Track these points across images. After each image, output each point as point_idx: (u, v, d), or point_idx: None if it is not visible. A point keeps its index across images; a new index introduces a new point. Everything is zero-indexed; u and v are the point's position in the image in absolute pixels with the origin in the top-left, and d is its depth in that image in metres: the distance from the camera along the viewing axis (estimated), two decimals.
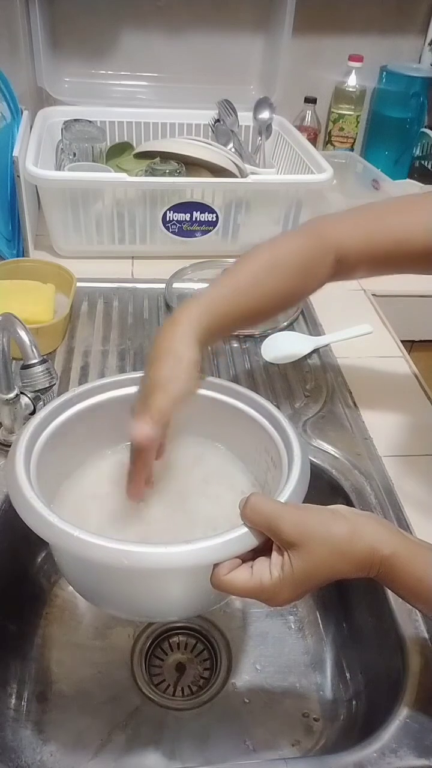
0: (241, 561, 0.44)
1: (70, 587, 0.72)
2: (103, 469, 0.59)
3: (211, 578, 0.43)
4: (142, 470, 0.52)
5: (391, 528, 0.44)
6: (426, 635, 0.55)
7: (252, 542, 0.44)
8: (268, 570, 0.43)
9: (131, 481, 0.53)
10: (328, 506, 0.46)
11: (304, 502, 0.47)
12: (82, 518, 0.53)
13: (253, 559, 0.44)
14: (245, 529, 0.44)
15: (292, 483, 0.48)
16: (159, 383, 0.52)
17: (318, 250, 0.61)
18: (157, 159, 1.07)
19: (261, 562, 0.43)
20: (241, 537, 0.43)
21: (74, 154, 1.11)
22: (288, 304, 0.66)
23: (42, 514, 0.45)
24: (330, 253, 0.61)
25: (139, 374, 0.58)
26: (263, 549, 0.44)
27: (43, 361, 0.62)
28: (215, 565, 0.43)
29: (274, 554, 0.43)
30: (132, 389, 0.58)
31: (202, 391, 0.58)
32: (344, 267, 0.62)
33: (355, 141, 1.42)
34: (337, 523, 0.43)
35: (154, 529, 0.54)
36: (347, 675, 0.64)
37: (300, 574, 0.42)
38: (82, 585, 0.54)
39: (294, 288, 0.63)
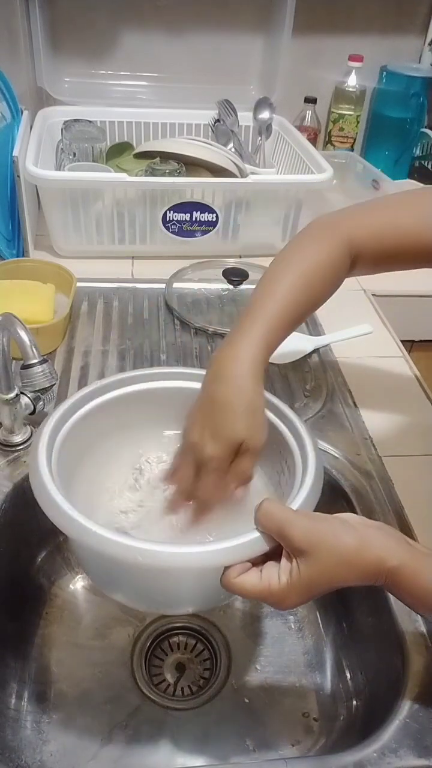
0: (251, 564, 0.45)
1: (71, 587, 0.72)
2: (120, 462, 0.60)
3: (221, 579, 0.45)
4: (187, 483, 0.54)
5: (399, 539, 0.45)
6: (426, 635, 0.55)
7: (263, 547, 0.45)
8: (276, 575, 0.44)
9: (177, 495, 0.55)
10: (339, 515, 0.46)
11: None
12: (97, 510, 0.55)
13: (263, 562, 0.45)
14: (257, 534, 0.45)
15: (305, 490, 0.49)
16: (232, 414, 0.52)
17: (339, 254, 0.61)
18: (157, 159, 1.07)
19: (270, 567, 0.44)
20: (253, 541, 0.45)
21: (74, 154, 1.11)
22: (312, 311, 0.66)
23: (64, 509, 0.46)
24: (347, 253, 0.62)
25: (155, 370, 0.60)
26: (273, 553, 0.45)
27: (43, 361, 0.62)
28: (226, 567, 0.44)
29: (284, 560, 0.44)
30: (152, 384, 0.59)
31: None
32: (358, 264, 0.63)
33: (355, 141, 1.42)
34: (346, 534, 0.43)
35: (164, 523, 0.55)
36: (347, 675, 0.64)
37: (307, 580, 0.43)
38: (97, 575, 0.56)
39: (324, 296, 0.63)
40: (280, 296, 0.58)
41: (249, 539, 0.45)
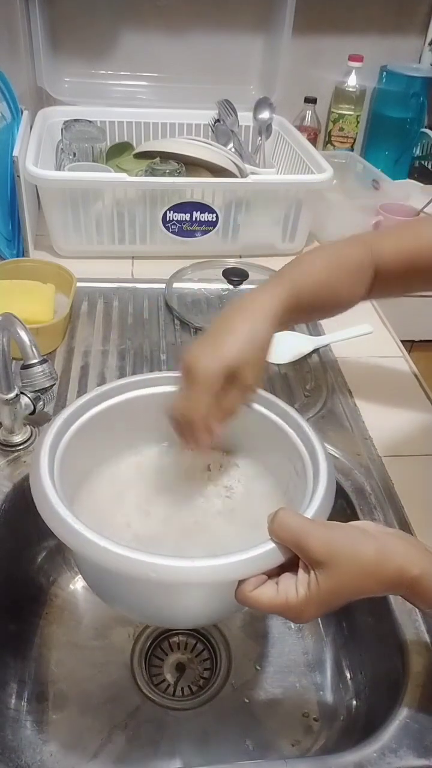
0: (267, 576, 0.43)
1: (71, 587, 0.72)
2: (122, 470, 0.58)
3: (236, 593, 0.43)
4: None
5: (419, 547, 0.44)
6: (426, 635, 0.55)
7: (278, 559, 0.43)
8: (294, 587, 0.42)
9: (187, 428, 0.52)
10: (356, 523, 0.45)
11: None
12: (100, 521, 0.53)
13: (279, 573, 0.43)
14: (272, 545, 0.43)
15: (318, 498, 0.47)
16: (233, 337, 0.52)
17: (366, 262, 0.63)
18: (157, 159, 1.07)
19: (287, 579, 0.43)
20: (268, 553, 0.43)
21: (74, 154, 1.11)
22: (335, 307, 0.66)
23: (68, 521, 0.44)
24: (370, 259, 0.62)
25: (157, 375, 0.59)
26: (289, 564, 0.43)
27: (43, 361, 0.62)
28: (241, 580, 0.43)
29: (301, 572, 0.42)
30: (153, 389, 0.58)
31: None
32: (380, 282, 0.64)
33: (355, 141, 1.42)
34: (365, 543, 0.42)
35: (169, 531, 0.53)
36: (347, 675, 0.64)
37: (326, 592, 0.41)
38: (102, 589, 0.54)
39: (347, 292, 0.64)
40: (308, 268, 0.60)
41: (264, 551, 0.43)
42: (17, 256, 1.00)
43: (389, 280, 0.64)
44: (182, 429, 0.53)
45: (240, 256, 1.08)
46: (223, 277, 0.97)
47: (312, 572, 0.42)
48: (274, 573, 0.43)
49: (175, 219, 1.03)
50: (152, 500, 0.56)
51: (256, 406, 0.57)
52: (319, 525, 0.43)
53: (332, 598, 0.42)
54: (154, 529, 0.53)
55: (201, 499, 0.56)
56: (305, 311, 0.61)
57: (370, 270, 0.63)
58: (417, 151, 1.42)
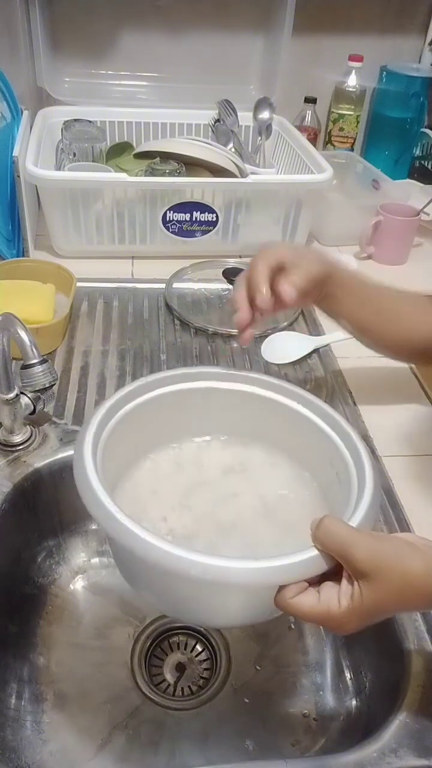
0: (308, 584, 0.42)
1: (71, 587, 0.72)
2: (161, 463, 0.57)
3: (275, 599, 0.42)
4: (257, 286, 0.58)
5: None
6: (426, 635, 0.55)
7: (322, 567, 0.42)
8: (336, 598, 0.41)
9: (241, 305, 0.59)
10: (401, 535, 0.44)
11: None
12: (138, 512, 0.52)
13: (319, 582, 0.42)
14: (315, 552, 0.42)
15: (364, 507, 0.45)
16: (293, 248, 0.67)
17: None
18: (157, 159, 1.07)
19: (329, 588, 0.42)
20: (312, 560, 0.42)
21: (74, 154, 1.11)
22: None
23: (111, 511, 0.43)
24: None
25: (201, 369, 0.58)
26: (330, 572, 0.42)
27: (43, 361, 0.62)
28: (281, 586, 0.42)
29: (344, 582, 0.41)
30: (196, 384, 0.57)
31: (265, 393, 0.57)
32: None
33: (355, 141, 1.42)
34: (413, 557, 0.41)
35: (204, 527, 0.52)
36: (347, 675, 0.64)
37: (370, 605, 0.40)
38: (135, 580, 0.53)
39: (392, 323, 0.73)
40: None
41: (307, 557, 0.41)
42: (17, 256, 1.00)
43: None
44: (240, 295, 0.60)
45: (240, 256, 1.08)
46: (223, 277, 0.97)
47: (356, 584, 0.41)
48: (315, 581, 0.42)
49: (175, 219, 1.03)
50: (189, 495, 0.55)
51: (301, 408, 0.56)
52: (366, 536, 0.42)
53: (376, 611, 0.41)
54: (190, 524, 0.52)
55: (238, 497, 0.55)
56: (351, 294, 0.69)
57: None
58: (417, 151, 1.42)
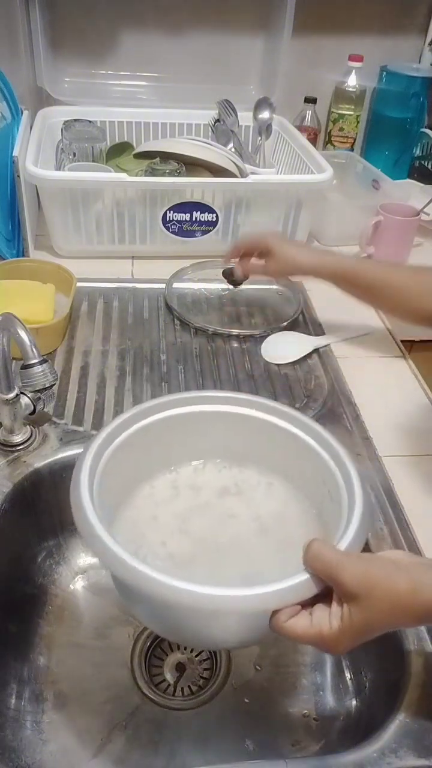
0: (301, 607, 0.43)
1: (71, 587, 0.72)
2: (158, 488, 0.58)
3: (270, 623, 0.43)
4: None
5: None
6: (426, 635, 0.55)
7: (312, 590, 0.43)
8: (327, 620, 0.42)
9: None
10: (387, 553, 0.45)
11: None
12: (137, 539, 0.53)
13: (312, 603, 0.44)
14: (306, 576, 0.43)
15: (353, 529, 0.46)
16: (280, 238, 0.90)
17: None
18: (157, 159, 1.07)
19: (320, 610, 0.43)
20: (303, 584, 0.43)
21: (74, 154, 1.11)
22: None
23: (109, 546, 0.44)
24: None
25: (192, 394, 0.58)
26: (323, 593, 0.43)
27: (43, 361, 0.62)
28: (275, 610, 0.43)
29: (335, 604, 0.42)
30: (189, 408, 0.57)
31: (259, 414, 0.58)
32: None
33: (355, 141, 1.42)
34: (400, 578, 0.42)
35: (203, 551, 0.53)
36: (347, 675, 0.64)
37: (360, 626, 0.42)
38: (135, 609, 0.54)
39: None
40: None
41: (299, 581, 0.43)
42: (17, 256, 1.00)
43: None
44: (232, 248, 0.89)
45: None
46: (222, 277, 0.97)
47: (345, 605, 0.42)
48: (308, 602, 0.43)
49: (175, 219, 1.03)
50: (186, 519, 0.55)
51: (293, 428, 0.56)
52: (353, 558, 0.43)
53: (366, 631, 0.42)
54: (188, 548, 0.53)
55: (235, 518, 0.56)
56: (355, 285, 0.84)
57: None
58: (417, 151, 1.42)
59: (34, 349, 0.61)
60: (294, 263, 0.85)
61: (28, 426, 0.70)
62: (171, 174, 1.04)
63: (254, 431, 0.57)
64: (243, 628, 0.50)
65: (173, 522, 0.55)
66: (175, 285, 1.00)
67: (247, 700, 0.64)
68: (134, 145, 1.20)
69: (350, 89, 1.36)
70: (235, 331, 0.91)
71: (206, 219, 1.04)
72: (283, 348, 0.89)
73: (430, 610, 0.41)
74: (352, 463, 0.52)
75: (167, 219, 1.03)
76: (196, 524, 0.55)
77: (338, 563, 0.42)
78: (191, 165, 1.07)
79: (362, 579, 0.41)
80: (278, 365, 0.86)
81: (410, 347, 1.07)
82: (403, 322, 0.86)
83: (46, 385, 0.63)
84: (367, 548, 0.62)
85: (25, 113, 1.07)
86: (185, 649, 0.69)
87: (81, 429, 0.73)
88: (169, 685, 0.66)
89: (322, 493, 0.53)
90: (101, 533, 0.44)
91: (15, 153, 0.95)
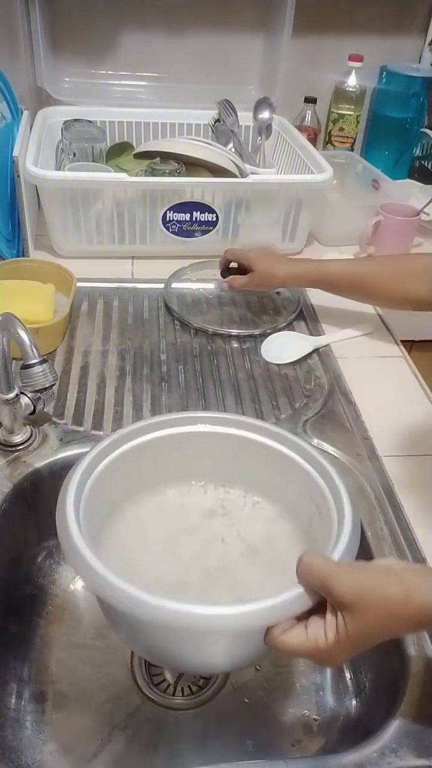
0: (296, 620, 0.43)
1: (71, 587, 0.72)
2: (144, 511, 0.57)
3: (265, 638, 0.43)
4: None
5: None
6: (426, 636, 0.55)
7: (306, 604, 0.43)
8: (323, 632, 0.42)
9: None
10: (380, 561, 0.45)
11: None
12: (125, 563, 0.52)
13: (308, 616, 0.43)
14: (300, 590, 0.43)
15: (344, 539, 0.46)
16: (263, 255, 0.92)
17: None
18: (157, 159, 1.07)
19: (315, 623, 0.43)
20: (296, 598, 0.43)
21: (74, 154, 1.11)
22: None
23: (98, 571, 0.43)
24: None
25: (178, 415, 0.58)
26: (317, 607, 0.43)
27: (43, 361, 0.62)
28: (269, 627, 0.43)
29: (329, 615, 0.42)
30: (175, 430, 0.57)
31: (243, 433, 0.57)
32: None
33: (355, 141, 1.42)
34: (392, 584, 0.42)
35: (192, 573, 0.53)
36: (347, 675, 0.64)
37: (355, 636, 0.41)
38: (126, 635, 0.53)
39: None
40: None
41: (292, 596, 0.42)
42: (17, 256, 1.01)
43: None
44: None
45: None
46: (222, 278, 0.97)
47: (339, 615, 0.41)
48: (303, 615, 0.43)
49: (175, 219, 1.03)
50: (174, 542, 0.55)
51: (277, 446, 0.56)
52: (345, 567, 0.43)
53: (361, 641, 0.42)
54: (178, 571, 0.53)
55: (223, 539, 0.56)
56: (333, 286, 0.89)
57: None
58: (417, 151, 1.42)
59: (34, 349, 0.61)
60: (273, 276, 0.90)
61: (28, 426, 0.70)
62: (171, 174, 1.04)
63: (239, 450, 0.57)
64: (238, 648, 0.50)
65: (161, 545, 0.54)
66: (174, 285, 1.00)
67: (247, 700, 0.64)
68: (134, 145, 1.20)
69: (350, 89, 1.36)
70: (234, 331, 0.91)
71: (206, 219, 1.04)
72: (283, 348, 0.89)
73: (424, 615, 0.41)
74: (339, 477, 0.52)
75: (167, 219, 1.03)
76: (184, 547, 0.55)
77: (330, 573, 0.42)
78: (191, 165, 1.07)
79: (355, 587, 0.41)
80: (278, 365, 0.86)
81: (410, 347, 1.07)
82: (395, 308, 0.92)
83: (46, 385, 0.63)
84: (367, 548, 0.62)
85: (25, 113, 1.07)
86: None
87: (81, 429, 0.73)
88: (169, 685, 0.66)
89: (310, 508, 0.53)
90: (92, 561, 0.44)
91: (15, 153, 0.95)
